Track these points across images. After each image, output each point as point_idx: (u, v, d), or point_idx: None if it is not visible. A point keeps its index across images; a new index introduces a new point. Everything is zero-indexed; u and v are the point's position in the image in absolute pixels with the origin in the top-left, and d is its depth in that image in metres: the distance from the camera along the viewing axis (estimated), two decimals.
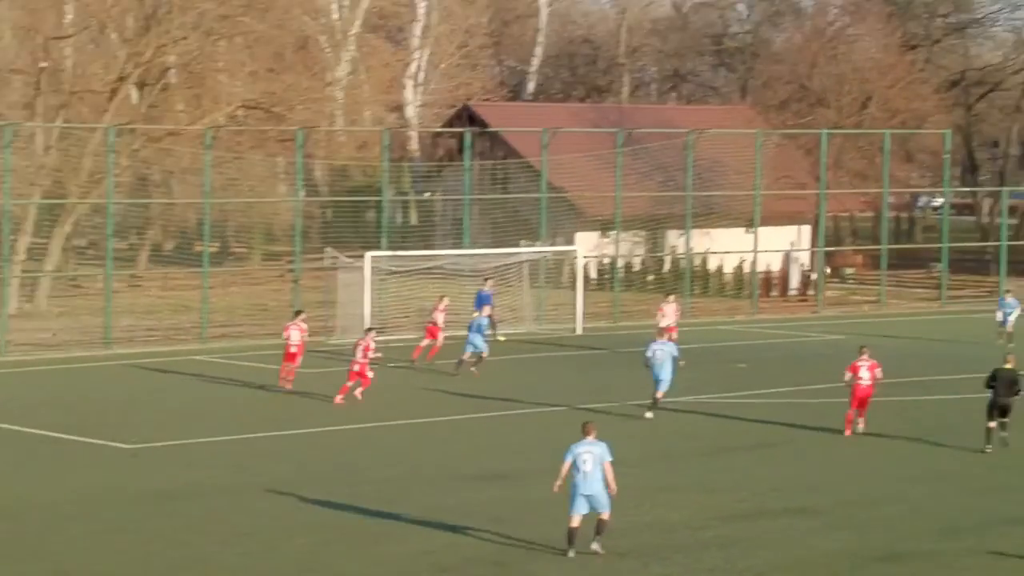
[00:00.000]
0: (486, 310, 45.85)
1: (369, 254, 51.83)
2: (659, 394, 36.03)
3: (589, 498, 22.78)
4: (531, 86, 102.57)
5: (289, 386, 39.91)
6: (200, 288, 52.69)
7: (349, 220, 62.93)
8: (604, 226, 67.76)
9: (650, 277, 69.02)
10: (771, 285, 70.74)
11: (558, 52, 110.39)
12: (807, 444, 32.57)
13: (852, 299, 69.71)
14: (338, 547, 23.77)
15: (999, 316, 51.69)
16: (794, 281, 72.31)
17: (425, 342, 45.18)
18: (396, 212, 70.18)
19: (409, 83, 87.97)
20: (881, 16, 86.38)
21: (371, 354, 38.36)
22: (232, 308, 57.92)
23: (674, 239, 70.52)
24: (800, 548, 23.29)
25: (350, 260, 52.04)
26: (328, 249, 54.32)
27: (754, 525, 24.78)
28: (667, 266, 69.53)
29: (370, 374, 38.34)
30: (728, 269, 69.62)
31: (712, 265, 69.36)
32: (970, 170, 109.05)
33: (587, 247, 64.83)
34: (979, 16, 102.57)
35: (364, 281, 50.46)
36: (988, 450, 31.75)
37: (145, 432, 33.98)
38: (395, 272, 52.61)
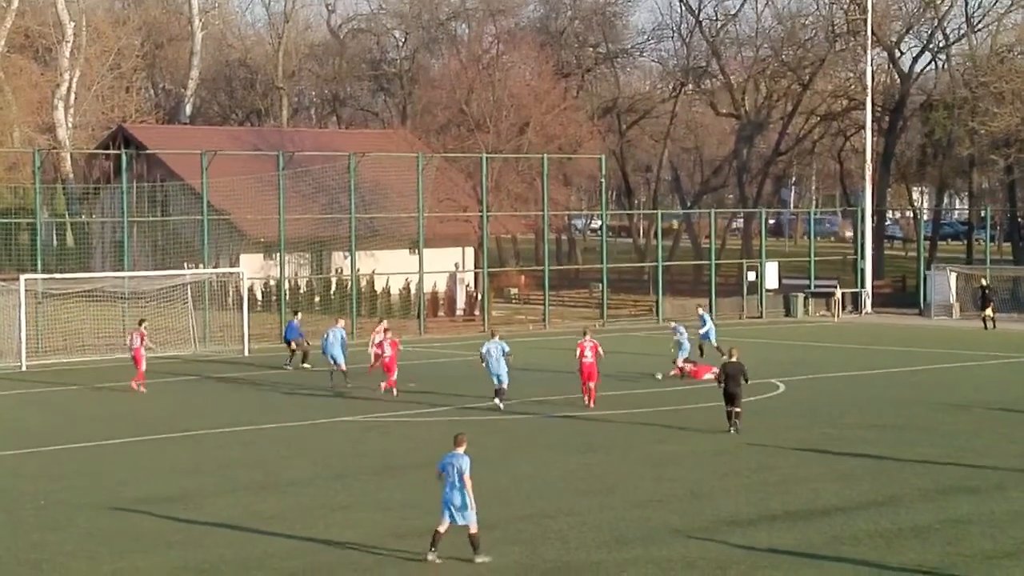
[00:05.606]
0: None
1: (24, 277, 50.94)
2: (503, 386, 39.86)
3: (451, 508, 23.07)
4: (188, 108, 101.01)
5: (143, 389, 43.56)
6: None
7: (1, 242, 61.08)
8: (268, 248, 67.19)
9: (316, 298, 68.67)
10: (438, 305, 71.22)
11: (215, 75, 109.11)
12: (478, 460, 32.61)
13: (517, 318, 70.69)
14: None
15: (701, 332, 52.97)
16: (460, 301, 72.96)
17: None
18: (52, 234, 68.21)
19: (60, 104, 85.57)
20: (534, 44, 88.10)
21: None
22: None
23: (339, 260, 70.40)
24: (474, 563, 23.26)
25: (3, 283, 51.00)
26: None
27: (427, 542, 24.64)
28: (333, 287, 69.29)
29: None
30: (395, 290, 69.79)
31: (379, 286, 69.42)
32: (626, 193, 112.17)
33: (252, 269, 64.11)
34: (627, 47, 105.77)
35: (19, 304, 49.54)
36: (732, 432, 35.50)
37: None
38: (52, 295, 51.68)
